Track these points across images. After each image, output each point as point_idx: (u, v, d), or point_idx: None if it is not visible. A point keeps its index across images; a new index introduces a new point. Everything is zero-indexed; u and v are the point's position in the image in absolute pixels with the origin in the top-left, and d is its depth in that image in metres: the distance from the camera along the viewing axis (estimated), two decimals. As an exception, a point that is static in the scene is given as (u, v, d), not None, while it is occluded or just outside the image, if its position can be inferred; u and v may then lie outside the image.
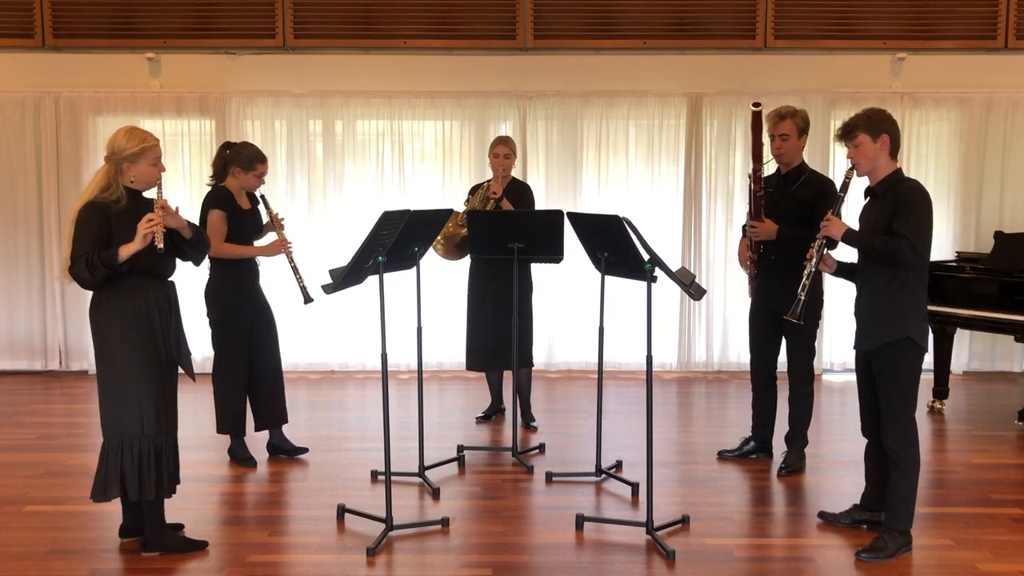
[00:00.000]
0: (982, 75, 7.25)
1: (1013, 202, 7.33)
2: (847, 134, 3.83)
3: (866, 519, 4.06)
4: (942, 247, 7.24)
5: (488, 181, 5.71)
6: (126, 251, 3.58)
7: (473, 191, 5.82)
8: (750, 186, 4.78)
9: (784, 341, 4.93)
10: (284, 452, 5.17)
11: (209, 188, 4.93)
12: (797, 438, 4.94)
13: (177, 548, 3.84)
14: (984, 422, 6.01)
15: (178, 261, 3.87)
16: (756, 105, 4.74)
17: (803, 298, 4.00)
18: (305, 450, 5.19)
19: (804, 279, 4.00)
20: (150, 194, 3.80)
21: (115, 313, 3.64)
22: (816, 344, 5.00)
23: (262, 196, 5.00)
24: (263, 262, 5.09)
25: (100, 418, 3.74)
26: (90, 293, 3.74)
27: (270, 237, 5.05)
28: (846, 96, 7.18)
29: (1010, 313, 5.63)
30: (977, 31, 7.07)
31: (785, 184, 4.85)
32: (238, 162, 4.87)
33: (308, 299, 4.90)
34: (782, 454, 4.96)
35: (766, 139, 4.79)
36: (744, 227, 4.93)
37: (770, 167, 4.93)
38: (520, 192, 5.69)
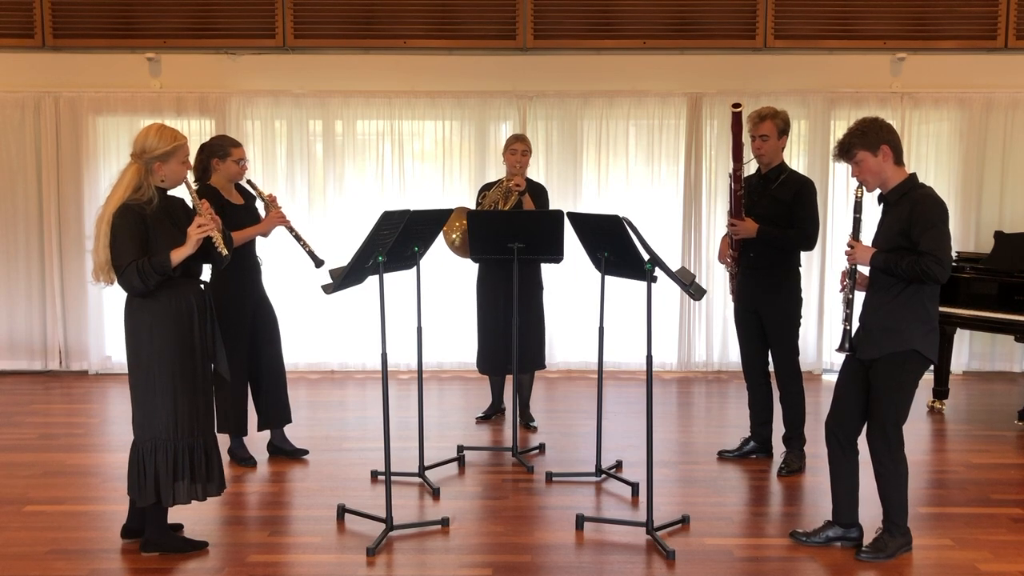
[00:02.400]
0: (982, 75, 7.25)
1: (1013, 202, 7.33)
2: (845, 153, 3.71)
3: (840, 536, 3.93)
4: (942, 247, 7.24)
5: (501, 180, 5.67)
6: (178, 256, 3.60)
7: (484, 191, 5.76)
8: (730, 185, 4.82)
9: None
10: (284, 453, 5.17)
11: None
12: (793, 438, 4.94)
13: (177, 548, 3.85)
14: (984, 422, 6.01)
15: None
16: (736, 106, 4.79)
17: (848, 328, 3.85)
18: (305, 452, 5.19)
19: (844, 308, 3.85)
20: (174, 193, 3.82)
21: (156, 314, 3.64)
22: (800, 343, 5.02)
23: (248, 180, 4.95)
24: (266, 256, 5.08)
25: (132, 419, 3.73)
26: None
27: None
28: (846, 96, 7.18)
29: (1010, 313, 5.63)
30: (977, 31, 7.07)
31: (764, 184, 4.88)
32: (214, 153, 4.85)
33: (318, 262, 4.86)
34: (781, 454, 4.97)
35: (746, 139, 4.82)
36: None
37: (751, 167, 4.96)
38: (537, 191, 5.67)
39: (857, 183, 3.78)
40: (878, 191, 3.80)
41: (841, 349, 3.89)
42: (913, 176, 3.74)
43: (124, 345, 3.75)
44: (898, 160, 3.71)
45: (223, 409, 4.96)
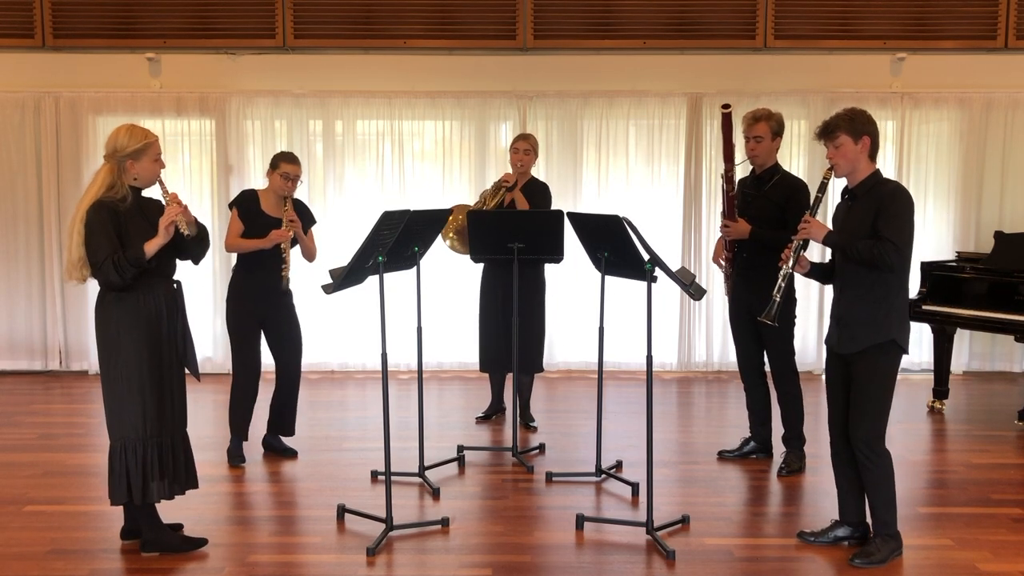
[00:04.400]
0: (982, 75, 7.25)
1: (1013, 202, 7.33)
2: (828, 133, 3.77)
3: (847, 536, 3.94)
4: (942, 247, 7.25)
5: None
6: (151, 247, 3.62)
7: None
8: (723, 186, 4.85)
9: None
10: (273, 450, 5.19)
11: None
12: (792, 438, 4.94)
13: (176, 547, 3.85)
14: (984, 422, 6.01)
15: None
16: (725, 107, 4.82)
17: (778, 299, 3.95)
18: (294, 452, 5.18)
19: (780, 280, 3.95)
20: (148, 193, 3.82)
21: (124, 312, 3.64)
22: (795, 344, 5.03)
23: (285, 198, 4.99)
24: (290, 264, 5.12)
25: (107, 420, 3.74)
26: (92, 293, 3.74)
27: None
28: (846, 96, 7.17)
29: (1010, 313, 5.63)
30: (977, 31, 7.06)
31: (758, 185, 4.89)
32: (270, 164, 5.01)
33: (284, 289, 4.94)
34: (781, 454, 4.97)
35: (739, 140, 4.84)
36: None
37: (745, 168, 4.98)
38: (536, 191, 5.64)
39: (829, 165, 3.82)
40: (843, 184, 3.85)
41: (766, 317, 3.97)
42: (879, 171, 3.80)
43: (95, 344, 3.75)
44: (872, 155, 3.77)
45: (231, 412, 5.00)
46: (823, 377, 4.10)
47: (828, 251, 3.98)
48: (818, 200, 3.90)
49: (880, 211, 3.66)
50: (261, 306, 4.98)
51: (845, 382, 3.82)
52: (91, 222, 3.58)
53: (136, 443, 3.68)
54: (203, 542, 3.91)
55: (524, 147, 5.59)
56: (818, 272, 4.02)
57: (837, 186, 4.03)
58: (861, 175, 3.77)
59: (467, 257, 5.66)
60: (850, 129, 3.71)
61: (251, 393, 5.01)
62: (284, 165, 4.96)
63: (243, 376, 4.98)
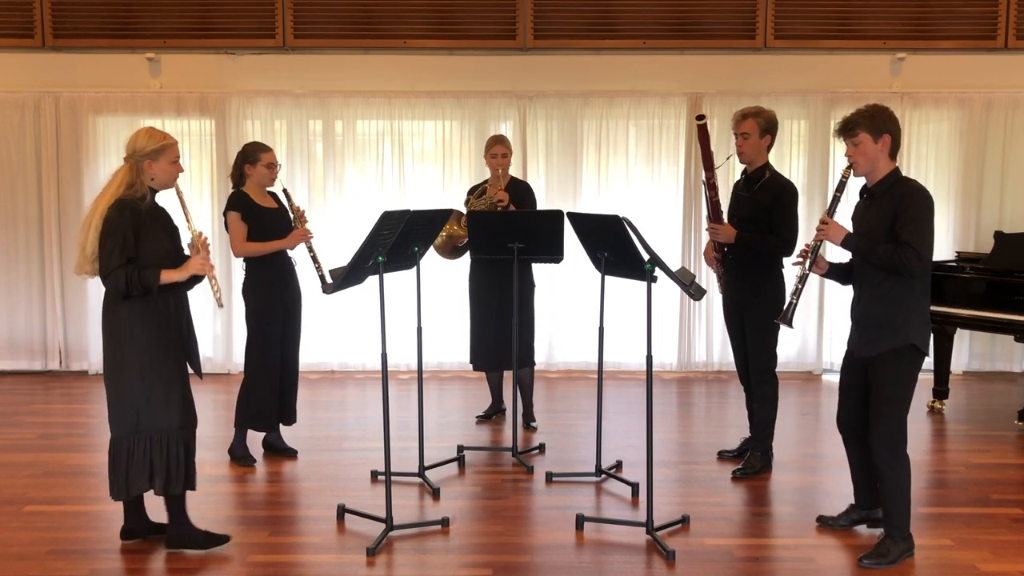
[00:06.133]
0: (982, 75, 7.25)
1: (1013, 202, 7.33)
2: (848, 130, 3.70)
3: (864, 517, 4.04)
4: (942, 247, 7.22)
5: (486, 181, 5.71)
6: (167, 277, 3.63)
7: (472, 191, 5.81)
8: (706, 192, 4.85)
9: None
10: (274, 450, 5.18)
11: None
12: (759, 440, 4.92)
13: (200, 543, 3.86)
14: (984, 422, 6.01)
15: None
16: (700, 118, 4.84)
17: (795, 302, 3.91)
18: (294, 452, 5.19)
19: (796, 282, 3.89)
20: (160, 199, 3.83)
21: (136, 311, 3.64)
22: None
23: (284, 190, 5.01)
24: (297, 258, 5.13)
25: (110, 416, 3.72)
26: (92, 292, 3.74)
27: None
28: (846, 96, 7.18)
29: (1010, 313, 5.63)
30: (977, 31, 7.06)
31: (748, 186, 4.86)
32: (246, 159, 4.95)
33: (326, 288, 4.85)
34: (747, 454, 4.97)
35: (717, 148, 4.84)
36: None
37: (737, 171, 4.98)
38: (522, 192, 5.68)
39: (847, 164, 3.78)
40: (863, 183, 3.81)
41: (782, 320, 3.96)
42: (898, 170, 3.75)
43: (101, 342, 3.74)
44: (893, 154, 3.72)
45: (248, 405, 4.98)
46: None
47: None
48: (836, 200, 3.81)
49: (899, 213, 3.60)
50: (286, 295, 5.00)
51: (860, 381, 3.81)
52: (110, 220, 3.58)
53: (162, 434, 3.67)
54: (226, 539, 3.91)
55: (503, 151, 5.62)
56: (836, 272, 3.95)
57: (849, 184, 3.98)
58: (880, 173, 3.71)
59: (467, 257, 5.68)
60: (870, 126, 3.66)
61: (276, 384, 5.00)
62: (265, 155, 4.93)
63: (271, 368, 4.94)
